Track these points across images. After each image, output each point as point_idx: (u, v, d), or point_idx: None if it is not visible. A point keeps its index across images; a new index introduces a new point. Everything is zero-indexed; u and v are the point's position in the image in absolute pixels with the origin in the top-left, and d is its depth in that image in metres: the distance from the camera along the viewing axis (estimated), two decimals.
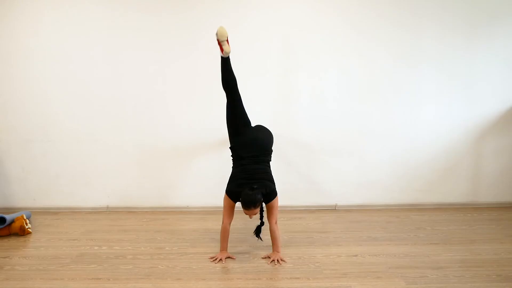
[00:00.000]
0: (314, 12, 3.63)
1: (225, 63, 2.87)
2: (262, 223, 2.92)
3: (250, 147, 2.93)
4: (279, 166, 3.69)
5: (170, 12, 3.64)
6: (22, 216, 3.34)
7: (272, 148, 3.08)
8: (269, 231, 2.84)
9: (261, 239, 2.95)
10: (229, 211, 2.82)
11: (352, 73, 3.71)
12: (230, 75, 2.91)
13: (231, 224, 2.86)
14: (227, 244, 2.84)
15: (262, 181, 2.78)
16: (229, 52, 2.81)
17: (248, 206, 2.64)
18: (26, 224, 3.32)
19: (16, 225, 3.27)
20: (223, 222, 2.82)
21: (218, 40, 2.77)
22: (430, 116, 3.77)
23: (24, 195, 3.98)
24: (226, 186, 2.86)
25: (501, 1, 3.60)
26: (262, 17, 3.64)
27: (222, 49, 2.79)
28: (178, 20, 3.65)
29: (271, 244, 2.84)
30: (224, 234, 2.82)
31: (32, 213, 3.84)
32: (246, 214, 2.72)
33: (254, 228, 2.98)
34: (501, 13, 3.60)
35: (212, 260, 2.77)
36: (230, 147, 3.02)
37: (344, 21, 3.64)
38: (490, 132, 3.80)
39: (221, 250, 2.83)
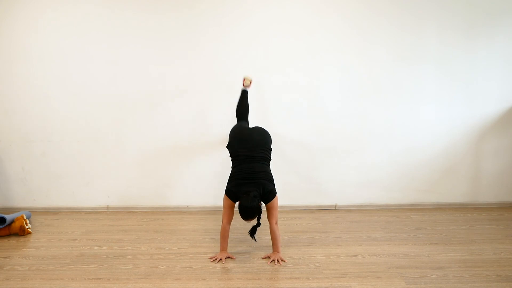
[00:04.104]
0: (314, 11, 3.63)
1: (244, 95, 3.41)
2: (258, 224, 2.89)
3: (246, 142, 2.99)
4: (279, 166, 3.70)
5: (170, 11, 3.64)
6: (22, 216, 3.34)
7: (271, 147, 3.09)
8: (267, 231, 2.84)
9: (255, 239, 2.93)
10: (229, 211, 2.82)
11: (352, 73, 3.71)
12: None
13: (231, 224, 2.86)
14: (227, 244, 2.84)
15: (260, 180, 2.78)
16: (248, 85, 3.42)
17: (246, 218, 2.67)
18: (26, 224, 3.32)
19: (16, 225, 3.27)
20: (222, 222, 2.82)
21: (243, 84, 3.42)
22: (430, 116, 3.77)
23: (24, 195, 3.99)
24: (225, 186, 2.86)
25: (501, 1, 3.60)
26: (262, 16, 3.64)
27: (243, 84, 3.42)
28: (178, 19, 3.64)
29: (271, 244, 2.84)
30: (224, 234, 2.82)
31: (32, 213, 3.84)
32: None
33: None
34: (501, 12, 3.60)
35: (212, 260, 2.77)
36: (227, 146, 3.08)
37: (344, 21, 3.64)
38: (490, 132, 3.80)
39: (221, 250, 2.83)
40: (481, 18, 3.61)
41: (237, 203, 2.78)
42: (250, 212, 2.62)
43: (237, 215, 2.93)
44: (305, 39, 3.65)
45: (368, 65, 3.69)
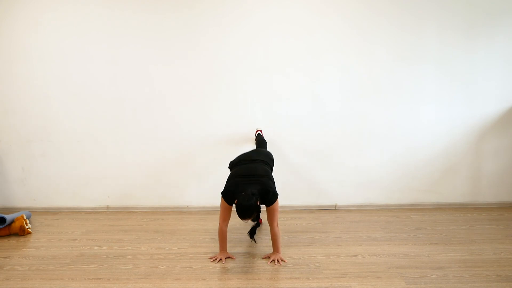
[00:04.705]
0: (314, 11, 3.63)
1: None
2: (257, 224, 2.86)
3: (247, 154, 3.03)
4: (279, 166, 3.69)
5: (170, 11, 3.63)
6: (22, 216, 3.34)
7: (273, 159, 3.13)
8: (267, 231, 2.83)
9: (255, 241, 2.90)
10: (225, 213, 2.74)
11: (352, 73, 3.71)
12: None
13: (231, 224, 2.84)
14: (226, 245, 2.83)
15: (260, 179, 2.70)
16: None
17: (243, 217, 2.55)
18: (26, 224, 3.32)
19: (16, 225, 3.27)
20: (219, 224, 2.78)
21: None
22: (430, 116, 3.77)
23: (24, 195, 3.99)
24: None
25: (501, 1, 3.59)
26: (262, 16, 3.64)
27: None
28: (178, 19, 3.64)
29: (271, 244, 2.84)
30: (222, 235, 2.79)
31: (32, 213, 3.84)
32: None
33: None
34: (501, 12, 3.60)
35: (212, 260, 2.77)
36: (228, 166, 3.07)
37: (344, 21, 3.63)
38: (490, 132, 3.80)
39: (220, 250, 2.83)
40: (481, 18, 3.61)
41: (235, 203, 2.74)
42: (247, 210, 2.51)
43: (235, 215, 2.93)
44: (305, 39, 3.65)
45: (368, 65, 3.69)
